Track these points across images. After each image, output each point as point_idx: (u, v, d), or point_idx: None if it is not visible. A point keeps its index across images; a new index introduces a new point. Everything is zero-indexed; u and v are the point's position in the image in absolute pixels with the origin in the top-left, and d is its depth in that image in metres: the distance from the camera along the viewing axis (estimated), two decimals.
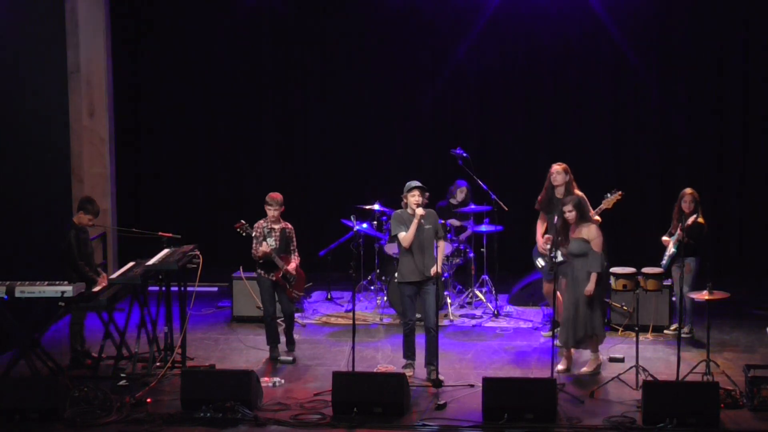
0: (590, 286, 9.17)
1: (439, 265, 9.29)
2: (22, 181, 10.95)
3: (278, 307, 10.22)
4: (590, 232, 9.24)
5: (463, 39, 13.71)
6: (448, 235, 11.59)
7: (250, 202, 13.89)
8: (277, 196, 10.09)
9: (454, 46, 13.73)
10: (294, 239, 10.23)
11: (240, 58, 14.05)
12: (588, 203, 9.93)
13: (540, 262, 10.45)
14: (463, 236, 12.11)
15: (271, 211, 10.02)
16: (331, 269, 12.44)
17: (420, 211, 9.14)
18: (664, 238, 10.55)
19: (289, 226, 10.21)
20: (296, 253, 10.24)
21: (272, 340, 10.15)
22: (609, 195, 10.25)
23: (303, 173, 14.04)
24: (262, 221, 10.13)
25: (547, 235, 10.08)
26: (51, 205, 11.49)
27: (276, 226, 10.11)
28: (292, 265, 10.13)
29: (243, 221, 10.07)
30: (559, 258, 9.22)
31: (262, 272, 10.09)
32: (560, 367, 9.41)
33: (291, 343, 10.32)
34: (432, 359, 9.23)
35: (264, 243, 9.97)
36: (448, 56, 13.77)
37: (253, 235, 10.00)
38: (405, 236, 9.20)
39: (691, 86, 13.40)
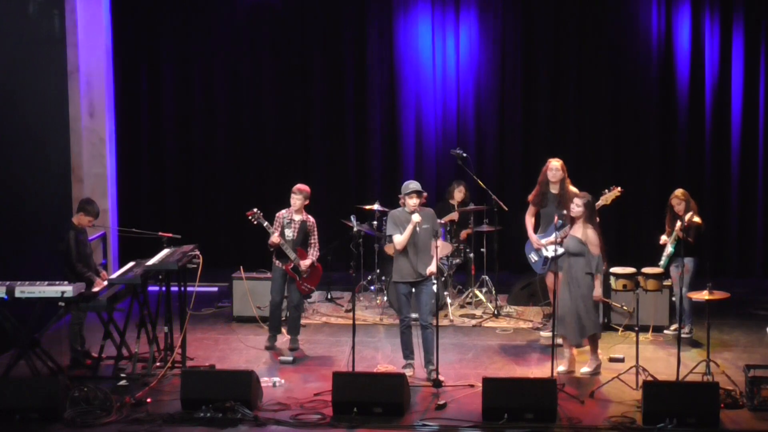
0: (597, 291, 9.21)
1: (435, 264, 9.29)
2: (22, 181, 10.95)
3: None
4: (588, 236, 9.21)
5: (462, 37, 13.75)
6: (442, 237, 11.55)
7: (251, 202, 13.94)
8: (303, 187, 10.23)
9: (453, 45, 13.77)
10: (315, 233, 10.31)
11: (240, 58, 14.06)
12: None
13: (533, 257, 10.49)
14: (462, 234, 12.08)
15: (294, 200, 10.13)
16: (332, 269, 12.46)
17: (416, 217, 9.13)
18: (663, 237, 10.53)
19: (311, 219, 10.29)
20: (316, 247, 10.31)
21: (271, 329, 10.25)
22: (607, 191, 10.23)
23: (303, 173, 14.03)
24: (284, 211, 10.24)
25: (548, 239, 10.13)
26: (51, 205, 11.48)
27: (296, 218, 10.19)
28: (307, 262, 10.18)
29: (255, 209, 10.13)
30: (553, 253, 9.25)
31: (277, 262, 10.18)
32: (561, 368, 9.40)
33: (295, 331, 10.28)
34: (430, 358, 9.23)
35: (275, 234, 10.03)
36: (447, 55, 13.78)
37: (269, 225, 10.07)
38: (399, 240, 9.20)
39: (691, 85, 13.39)
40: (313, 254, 10.27)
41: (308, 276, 10.26)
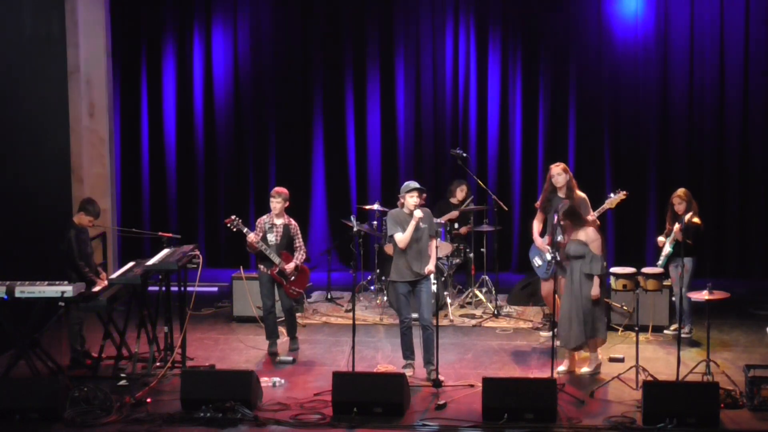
0: (595, 290, 9.15)
1: (433, 263, 9.29)
2: (22, 181, 10.95)
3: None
4: (588, 235, 9.20)
5: (462, 37, 13.75)
6: (442, 238, 11.55)
7: (251, 202, 13.97)
8: (282, 190, 10.11)
9: (452, 44, 13.78)
10: (299, 236, 10.20)
11: (240, 58, 14.05)
12: (588, 204, 9.94)
13: (537, 262, 10.42)
14: (462, 229, 12.04)
15: (274, 203, 10.02)
16: (331, 269, 12.45)
17: (418, 213, 9.12)
18: (660, 238, 10.52)
19: (293, 222, 10.19)
20: (302, 250, 10.20)
21: (269, 335, 10.19)
22: (613, 195, 10.23)
23: (304, 173, 14.05)
24: (264, 216, 10.14)
25: (548, 236, 10.09)
26: (51, 205, 11.49)
27: (278, 222, 10.09)
28: (291, 265, 10.10)
29: (234, 216, 10.04)
30: (557, 257, 9.21)
31: (262, 267, 10.08)
32: (561, 368, 9.40)
33: (293, 332, 10.27)
34: (430, 358, 9.22)
35: (252, 234, 9.94)
36: (447, 54, 13.78)
37: (248, 231, 9.99)
38: (402, 238, 9.17)
39: (691, 84, 13.39)
40: (298, 258, 10.17)
41: (295, 279, 10.19)
